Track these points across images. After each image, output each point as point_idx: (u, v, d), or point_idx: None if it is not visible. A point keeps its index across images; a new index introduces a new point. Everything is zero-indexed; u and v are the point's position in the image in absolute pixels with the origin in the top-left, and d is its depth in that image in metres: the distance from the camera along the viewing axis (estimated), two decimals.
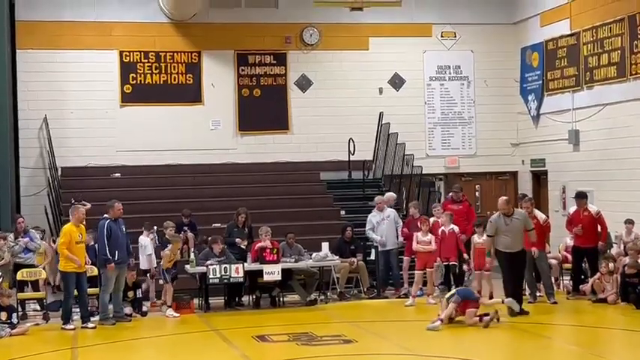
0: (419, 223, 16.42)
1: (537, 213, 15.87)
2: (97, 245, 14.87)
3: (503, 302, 14.14)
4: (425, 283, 16.27)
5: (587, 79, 19.81)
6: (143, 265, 16.18)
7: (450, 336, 13.30)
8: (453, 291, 14.16)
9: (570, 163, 20.45)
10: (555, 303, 15.32)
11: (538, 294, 15.74)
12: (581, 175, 19.60)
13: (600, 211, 16.02)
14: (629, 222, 16.69)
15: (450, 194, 18.17)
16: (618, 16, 18.67)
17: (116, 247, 14.50)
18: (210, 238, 16.53)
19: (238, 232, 16.83)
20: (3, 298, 14.16)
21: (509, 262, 14.52)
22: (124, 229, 14.81)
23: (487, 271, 15.72)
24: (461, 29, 22.62)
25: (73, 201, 18.16)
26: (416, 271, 16.27)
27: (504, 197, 15.21)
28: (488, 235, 14.78)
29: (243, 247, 16.65)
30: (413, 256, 16.62)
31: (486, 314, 13.69)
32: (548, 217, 16.82)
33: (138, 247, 16.23)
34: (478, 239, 15.93)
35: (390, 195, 18.49)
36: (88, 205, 16.64)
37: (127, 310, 15.10)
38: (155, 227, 16.89)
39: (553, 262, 16.45)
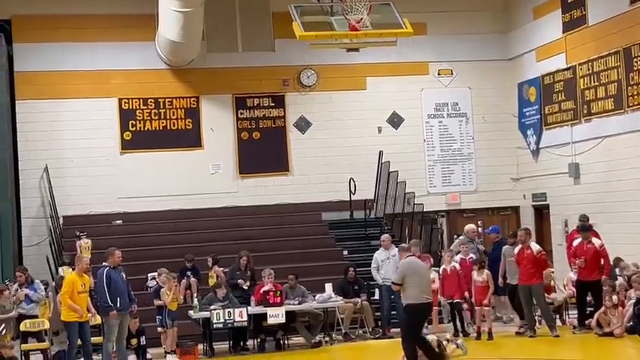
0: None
1: (532, 244, 15.88)
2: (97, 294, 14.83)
3: (457, 346, 14.19)
4: (430, 322, 16.21)
5: (585, 112, 19.86)
6: None
7: None
8: None
9: (571, 196, 20.44)
10: (557, 336, 15.24)
11: (537, 327, 15.76)
12: (583, 208, 19.52)
13: (604, 244, 15.98)
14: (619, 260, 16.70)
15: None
16: (613, 48, 18.76)
17: (117, 294, 14.41)
18: (215, 283, 16.53)
19: (241, 274, 16.83)
20: (5, 349, 14.07)
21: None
22: (124, 276, 14.72)
23: (486, 307, 15.73)
24: (457, 66, 22.73)
25: (77, 234, 18.29)
26: None
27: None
28: None
29: (245, 287, 16.61)
30: None
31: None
32: (544, 250, 16.72)
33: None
34: (477, 277, 15.94)
35: (470, 227, 18.40)
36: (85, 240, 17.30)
37: (131, 357, 15.01)
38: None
39: (559, 297, 16.51)
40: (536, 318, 15.96)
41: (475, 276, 15.98)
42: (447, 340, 14.17)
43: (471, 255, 16.81)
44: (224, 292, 16.01)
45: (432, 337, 13.41)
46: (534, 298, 15.64)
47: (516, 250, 15.84)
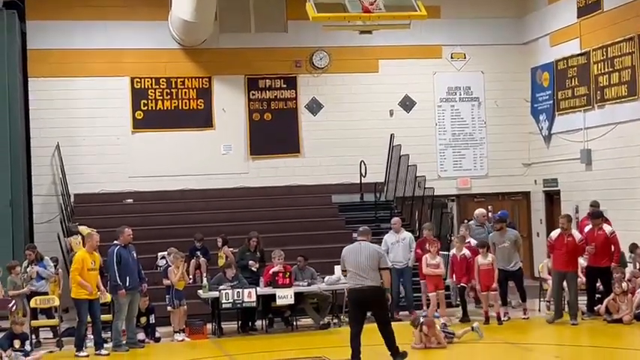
0: (427, 245, 16.52)
1: (574, 232, 15.86)
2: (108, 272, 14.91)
3: (472, 329, 14.16)
4: (438, 305, 16.27)
5: (598, 98, 19.78)
6: None
7: (463, 357, 13.26)
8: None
9: (583, 182, 20.38)
10: (576, 324, 15.21)
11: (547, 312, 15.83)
12: (594, 194, 19.47)
13: (615, 231, 15.94)
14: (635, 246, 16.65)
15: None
16: (628, 34, 18.66)
17: (127, 273, 14.50)
18: (225, 262, 16.56)
19: (250, 256, 16.86)
20: (16, 325, 14.15)
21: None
22: (134, 255, 14.82)
23: (493, 291, 15.75)
24: (471, 50, 22.63)
25: (76, 224, 18.27)
26: (429, 294, 16.30)
27: None
28: None
29: (255, 269, 16.65)
30: None
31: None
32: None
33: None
34: (483, 260, 15.95)
35: (480, 211, 18.28)
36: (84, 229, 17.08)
37: (140, 336, 15.08)
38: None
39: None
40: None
41: (480, 259, 16.01)
42: (445, 325, 14.17)
43: (468, 240, 16.82)
44: (233, 272, 16.05)
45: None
46: (568, 285, 15.56)
47: (554, 234, 15.79)
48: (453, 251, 16.65)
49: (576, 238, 15.59)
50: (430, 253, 16.33)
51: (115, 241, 14.81)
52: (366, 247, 12.49)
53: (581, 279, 16.30)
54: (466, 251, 16.43)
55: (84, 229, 17.23)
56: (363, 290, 12.19)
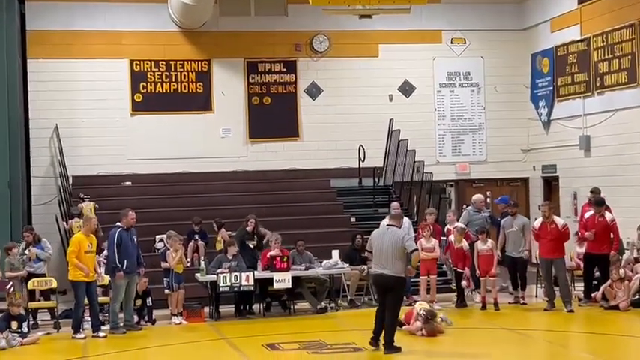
0: (420, 230, 16.55)
1: (556, 218, 15.86)
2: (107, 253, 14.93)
3: (441, 319, 14.06)
4: (429, 290, 16.30)
5: (598, 84, 19.76)
6: None
7: (460, 342, 13.32)
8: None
9: (581, 169, 20.39)
10: (572, 311, 15.22)
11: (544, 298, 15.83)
12: (593, 181, 19.44)
13: (615, 219, 15.93)
14: None
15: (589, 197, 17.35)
16: (628, 21, 18.63)
17: (126, 256, 14.53)
18: (225, 242, 16.57)
19: (248, 238, 16.86)
20: (14, 307, 14.19)
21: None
22: (135, 239, 14.84)
23: (492, 277, 15.77)
24: (471, 36, 22.60)
25: (81, 196, 18.33)
26: (421, 277, 16.32)
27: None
28: None
29: (252, 246, 16.66)
30: None
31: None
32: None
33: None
34: (482, 246, 15.97)
35: (478, 197, 18.23)
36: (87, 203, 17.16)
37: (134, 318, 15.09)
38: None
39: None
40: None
41: (479, 245, 16.03)
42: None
43: (457, 224, 16.86)
44: (236, 250, 16.06)
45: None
46: (557, 272, 15.59)
47: (537, 224, 15.79)
48: (451, 238, 16.64)
49: (559, 225, 15.58)
50: (425, 237, 16.33)
51: (118, 223, 14.82)
52: (392, 233, 12.35)
53: (575, 263, 16.36)
54: (465, 243, 16.38)
55: (87, 206, 17.35)
56: (382, 277, 12.28)
